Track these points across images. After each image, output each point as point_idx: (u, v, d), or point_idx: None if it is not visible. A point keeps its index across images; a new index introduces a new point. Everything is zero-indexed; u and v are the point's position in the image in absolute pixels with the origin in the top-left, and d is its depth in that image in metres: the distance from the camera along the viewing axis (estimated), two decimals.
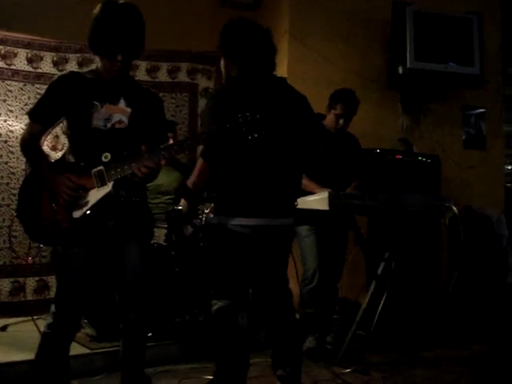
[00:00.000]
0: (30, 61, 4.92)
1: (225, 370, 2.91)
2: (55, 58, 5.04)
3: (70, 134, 2.70)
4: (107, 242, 2.69)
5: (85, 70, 2.78)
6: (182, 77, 5.47)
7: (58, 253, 2.69)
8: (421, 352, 4.30)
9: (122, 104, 2.66)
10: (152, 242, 4.21)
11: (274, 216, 2.91)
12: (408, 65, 5.33)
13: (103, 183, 2.54)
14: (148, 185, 4.58)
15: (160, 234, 4.33)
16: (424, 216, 4.33)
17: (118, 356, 2.86)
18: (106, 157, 2.54)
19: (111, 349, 3.70)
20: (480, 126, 6.04)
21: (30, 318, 3.90)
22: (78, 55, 5.04)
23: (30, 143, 2.65)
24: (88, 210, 2.55)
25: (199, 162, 2.88)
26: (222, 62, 2.98)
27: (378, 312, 4.29)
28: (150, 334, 3.95)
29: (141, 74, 5.30)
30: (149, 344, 3.82)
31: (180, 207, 4.29)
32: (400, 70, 5.39)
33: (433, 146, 5.68)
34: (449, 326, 4.60)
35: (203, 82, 5.46)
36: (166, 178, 4.72)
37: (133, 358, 2.85)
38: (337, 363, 3.95)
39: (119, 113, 2.64)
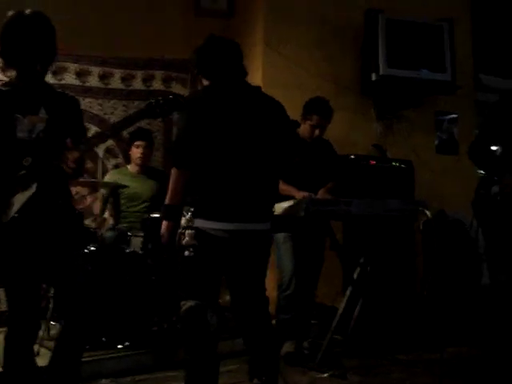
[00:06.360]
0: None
1: (195, 370, 2.89)
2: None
3: None
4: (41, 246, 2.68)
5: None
6: (157, 85, 5.49)
7: None
8: (397, 355, 4.33)
9: (42, 113, 2.73)
10: (128, 250, 4.21)
11: (252, 221, 2.94)
12: (381, 72, 5.37)
13: (27, 186, 2.59)
14: (124, 193, 4.69)
15: (136, 243, 4.32)
16: (398, 220, 4.38)
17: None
18: (27, 161, 2.60)
19: (94, 358, 3.74)
20: (452, 131, 6.11)
21: None
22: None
23: None
24: (15, 213, 2.57)
25: (172, 172, 2.91)
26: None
27: (355, 316, 4.32)
28: (128, 344, 3.96)
29: (115, 83, 5.31)
30: (126, 353, 3.88)
31: (156, 215, 4.29)
32: (373, 77, 5.43)
33: (406, 152, 5.74)
34: (424, 329, 4.64)
35: (178, 90, 5.44)
36: (141, 186, 4.73)
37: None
38: (314, 368, 3.97)
39: (41, 122, 2.71)
